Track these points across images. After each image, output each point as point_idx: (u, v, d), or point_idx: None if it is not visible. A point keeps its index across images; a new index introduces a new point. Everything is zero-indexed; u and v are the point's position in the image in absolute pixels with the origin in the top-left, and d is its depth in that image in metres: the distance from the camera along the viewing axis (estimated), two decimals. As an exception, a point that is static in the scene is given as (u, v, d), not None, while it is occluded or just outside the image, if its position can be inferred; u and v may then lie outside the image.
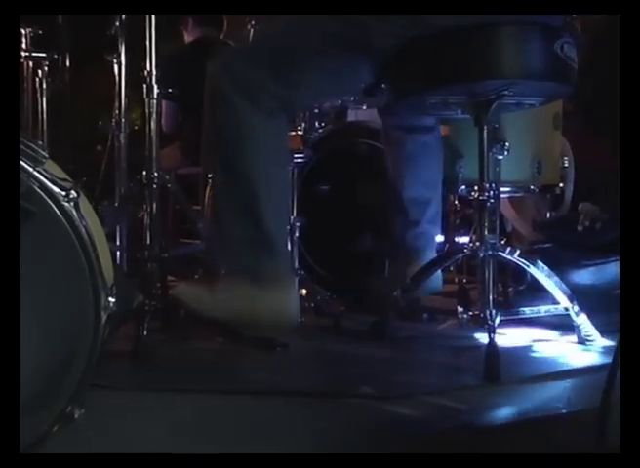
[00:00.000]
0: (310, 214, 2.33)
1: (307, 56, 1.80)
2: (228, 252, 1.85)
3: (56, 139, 2.68)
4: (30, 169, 0.98)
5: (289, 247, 2.16)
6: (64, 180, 1.04)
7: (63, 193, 0.99)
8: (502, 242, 2.55)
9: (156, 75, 1.99)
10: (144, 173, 2.02)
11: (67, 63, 2.73)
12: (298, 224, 2.23)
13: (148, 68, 2.00)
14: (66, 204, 0.99)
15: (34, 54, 2.62)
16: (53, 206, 0.98)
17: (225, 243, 1.86)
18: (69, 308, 1.00)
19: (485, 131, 1.84)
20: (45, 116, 2.66)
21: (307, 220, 2.28)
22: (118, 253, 2.23)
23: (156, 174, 2.02)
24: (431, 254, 2.29)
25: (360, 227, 2.65)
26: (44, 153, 1.01)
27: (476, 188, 1.89)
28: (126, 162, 2.31)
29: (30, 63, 2.65)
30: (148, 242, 2.02)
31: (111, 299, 1.02)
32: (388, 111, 2.28)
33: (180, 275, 2.48)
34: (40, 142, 1.08)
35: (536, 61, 1.72)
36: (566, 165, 2.43)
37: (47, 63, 2.66)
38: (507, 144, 2.01)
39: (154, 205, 2.02)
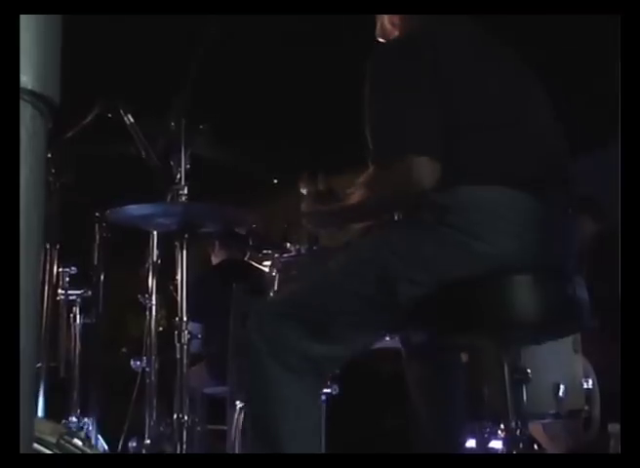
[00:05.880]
0: (341, 445, 2.32)
1: (338, 316, 1.82)
2: None
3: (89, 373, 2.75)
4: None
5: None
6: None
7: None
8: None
9: (186, 323, 2.10)
10: (175, 416, 2.06)
11: (100, 299, 2.85)
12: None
13: (179, 317, 2.11)
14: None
15: (69, 292, 2.77)
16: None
17: None
18: None
19: (505, 368, 1.89)
20: (78, 351, 2.75)
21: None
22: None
23: (186, 418, 2.06)
24: None
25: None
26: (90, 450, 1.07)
27: (502, 426, 1.90)
28: (156, 400, 2.35)
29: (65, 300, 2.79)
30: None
31: None
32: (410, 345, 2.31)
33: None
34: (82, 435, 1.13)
35: (549, 307, 1.79)
36: (590, 386, 2.44)
37: (80, 300, 2.79)
38: (529, 371, 2.04)
39: (184, 447, 2.05)
